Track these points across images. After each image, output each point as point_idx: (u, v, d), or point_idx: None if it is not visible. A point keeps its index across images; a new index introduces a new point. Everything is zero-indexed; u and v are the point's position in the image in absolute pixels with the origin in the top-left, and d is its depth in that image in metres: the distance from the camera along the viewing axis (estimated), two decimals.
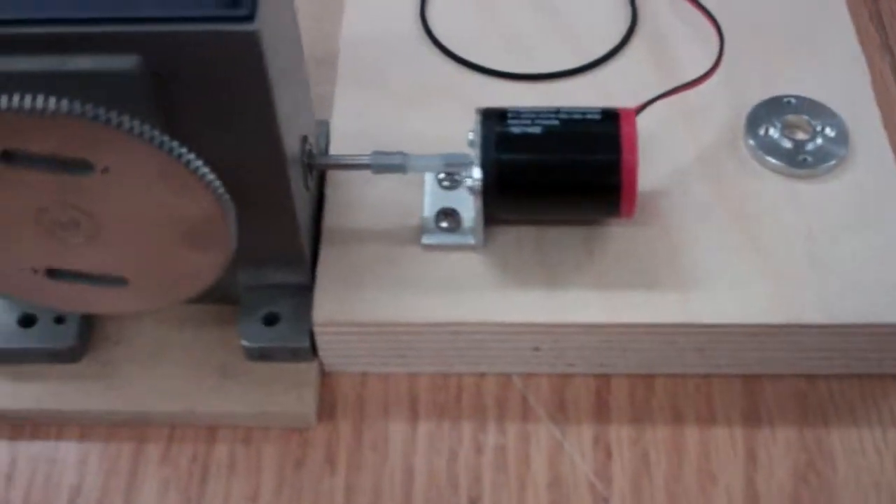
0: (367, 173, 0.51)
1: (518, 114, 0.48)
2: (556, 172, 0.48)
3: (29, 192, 0.41)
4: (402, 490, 0.48)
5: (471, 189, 0.48)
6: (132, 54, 0.40)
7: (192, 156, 0.39)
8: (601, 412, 0.51)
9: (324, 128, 0.56)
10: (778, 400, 0.51)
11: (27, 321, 0.51)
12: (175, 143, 0.39)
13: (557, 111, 0.49)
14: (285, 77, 0.44)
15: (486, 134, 0.48)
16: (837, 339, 0.49)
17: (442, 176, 0.53)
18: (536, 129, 0.48)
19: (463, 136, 0.52)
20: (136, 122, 0.38)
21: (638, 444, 0.50)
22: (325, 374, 0.51)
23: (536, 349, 0.50)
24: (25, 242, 0.43)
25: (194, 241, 0.42)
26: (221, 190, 0.40)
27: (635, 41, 0.59)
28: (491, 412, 0.51)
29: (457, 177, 0.53)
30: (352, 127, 0.56)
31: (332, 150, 0.55)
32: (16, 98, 0.37)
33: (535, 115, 0.48)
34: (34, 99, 0.37)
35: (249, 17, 0.39)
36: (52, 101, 0.37)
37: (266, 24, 0.40)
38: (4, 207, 0.41)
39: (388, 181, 0.52)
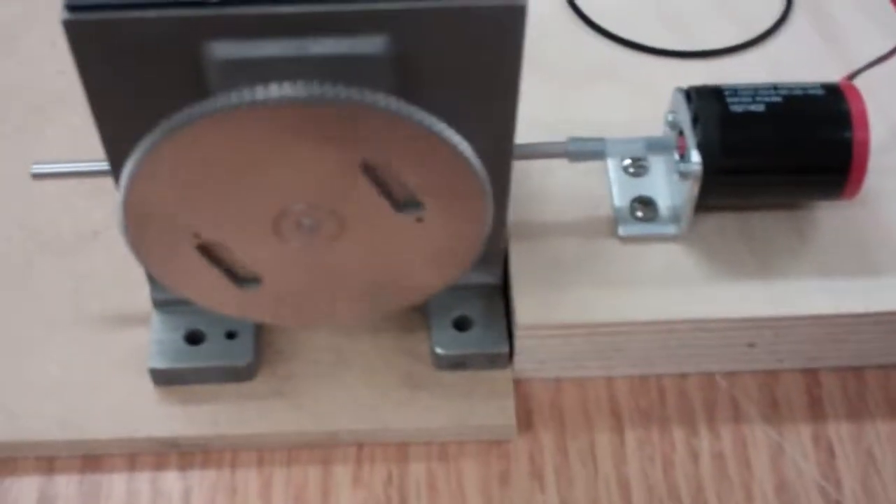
0: (543, 162, 0.47)
1: (735, 91, 0.45)
2: (785, 153, 0.44)
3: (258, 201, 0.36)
4: (621, 503, 0.45)
5: (685, 174, 0.45)
6: (380, 35, 0.35)
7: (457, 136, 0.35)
8: (815, 409, 0.47)
9: None
10: None
11: (195, 338, 0.46)
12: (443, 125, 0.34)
13: (775, 87, 0.45)
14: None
15: (704, 113, 0.44)
16: None
17: (627, 163, 0.49)
18: (759, 107, 0.44)
19: (633, 118, 0.48)
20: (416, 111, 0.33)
21: (861, 441, 0.46)
22: (515, 381, 0.47)
23: (751, 345, 0.46)
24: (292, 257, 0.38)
25: (453, 220, 0.38)
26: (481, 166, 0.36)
27: (798, 10, 0.56)
28: (700, 415, 0.47)
29: (644, 162, 0.49)
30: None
31: None
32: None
33: (755, 91, 0.45)
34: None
35: None
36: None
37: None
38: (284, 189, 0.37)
39: (566, 170, 0.48)
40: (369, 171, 0.36)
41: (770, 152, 0.44)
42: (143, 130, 0.35)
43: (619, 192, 0.48)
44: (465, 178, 0.36)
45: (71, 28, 0.34)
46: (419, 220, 0.37)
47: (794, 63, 0.53)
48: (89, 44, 0.35)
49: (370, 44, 0.35)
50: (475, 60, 0.36)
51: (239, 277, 0.39)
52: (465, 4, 0.35)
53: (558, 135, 0.48)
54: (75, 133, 0.51)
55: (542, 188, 0.49)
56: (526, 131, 0.49)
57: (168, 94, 0.35)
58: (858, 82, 0.48)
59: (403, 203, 0.37)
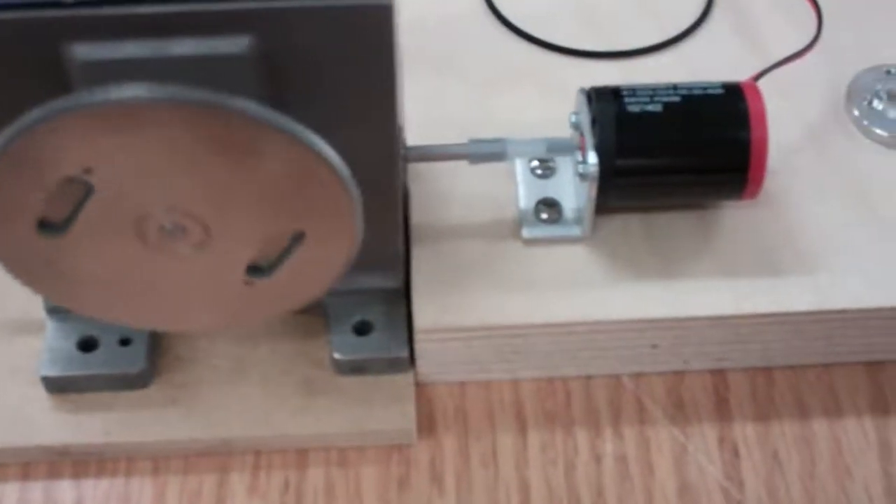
0: (450, 163, 0.47)
1: (633, 91, 0.44)
2: (682, 153, 0.44)
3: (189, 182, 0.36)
4: None
5: (583, 175, 0.44)
6: (243, 35, 0.35)
7: (323, 143, 0.34)
8: (722, 410, 0.47)
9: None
10: None
11: (88, 345, 0.45)
12: (308, 132, 0.34)
13: (675, 87, 0.44)
14: (398, 56, 0.39)
15: (602, 114, 0.44)
16: None
17: (535, 164, 0.48)
18: (657, 107, 0.44)
19: (545, 120, 0.48)
20: (271, 112, 0.33)
21: (766, 442, 0.46)
22: (419, 385, 0.47)
23: (654, 346, 0.46)
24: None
25: (320, 235, 0.37)
26: (351, 178, 0.35)
27: (717, 11, 0.55)
28: (605, 417, 0.46)
29: (552, 163, 0.48)
30: (425, 115, 0.50)
31: (409, 141, 0.50)
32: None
33: (653, 91, 0.44)
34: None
35: None
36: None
37: None
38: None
39: (474, 172, 0.47)
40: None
41: (667, 153, 0.44)
42: None
43: (526, 193, 0.48)
44: (330, 187, 0.35)
45: None
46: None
47: (710, 64, 0.53)
48: None
49: (233, 44, 0.35)
50: (345, 62, 0.36)
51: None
52: (328, 4, 0.34)
53: (473, 135, 0.48)
54: None
55: (450, 189, 0.48)
56: (439, 132, 0.49)
57: (35, 94, 0.35)
58: (773, 82, 0.48)
59: None
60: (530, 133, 0.48)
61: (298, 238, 0.37)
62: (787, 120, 0.51)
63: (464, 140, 0.46)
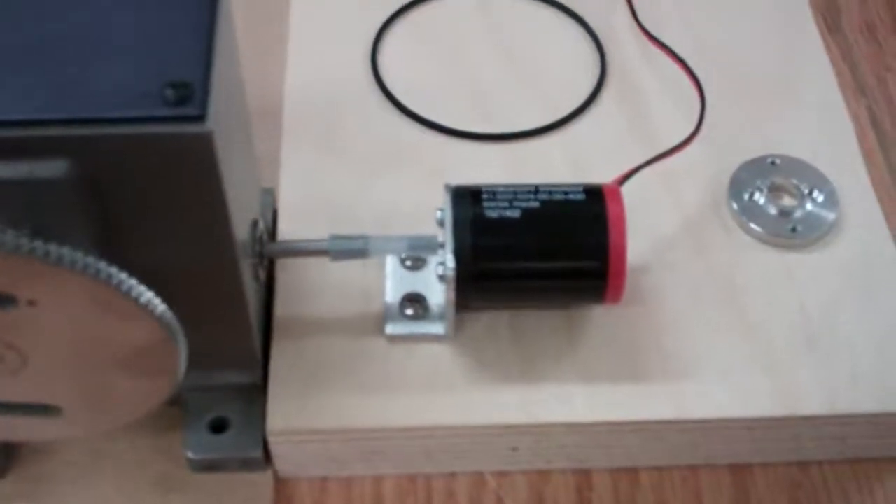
0: None
1: (494, 194, 0.44)
2: (539, 260, 0.43)
3: None
4: None
5: (442, 277, 0.43)
6: (60, 159, 0.34)
7: (131, 281, 0.34)
8: None
9: (269, 197, 0.50)
10: (770, 491, 0.47)
11: None
12: (113, 270, 0.33)
13: (536, 190, 0.44)
14: (236, 167, 0.38)
15: (459, 217, 0.43)
16: (837, 428, 0.46)
17: (404, 256, 0.48)
18: (515, 213, 0.43)
19: (425, 204, 0.47)
20: (65, 251, 0.32)
21: None
22: (279, 480, 0.46)
23: (514, 449, 0.45)
24: None
25: (137, 369, 0.36)
26: (168, 314, 0.35)
27: (606, 94, 0.55)
28: None
29: (421, 257, 0.48)
30: (301, 195, 0.50)
31: (281, 223, 0.49)
32: None
33: (513, 195, 0.43)
34: None
35: (201, 117, 0.34)
36: None
37: (219, 120, 0.34)
38: None
39: (345, 262, 0.47)
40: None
41: (524, 258, 0.43)
42: None
43: (393, 286, 0.47)
44: (148, 334, 0.35)
45: None
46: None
47: (596, 146, 0.53)
48: None
49: (50, 168, 0.34)
50: (168, 183, 0.35)
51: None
52: (145, 131, 0.34)
53: (344, 223, 0.48)
54: None
55: (316, 281, 0.48)
56: (313, 215, 0.49)
57: None
58: (656, 172, 0.48)
59: None
60: (408, 222, 0.47)
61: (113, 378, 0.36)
62: (668, 212, 0.50)
63: (336, 230, 0.45)
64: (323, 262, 0.47)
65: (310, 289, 0.47)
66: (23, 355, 0.36)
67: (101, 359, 0.36)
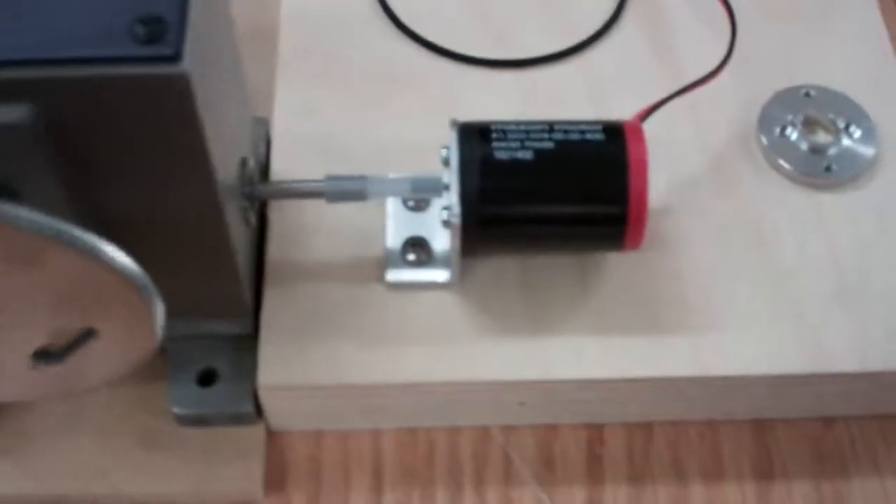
0: None
1: (504, 133, 0.40)
2: (552, 206, 0.40)
3: None
4: None
5: (446, 223, 0.40)
6: (22, 104, 0.30)
7: (111, 250, 0.30)
8: (594, 469, 0.44)
9: (262, 128, 0.47)
10: (792, 448, 0.44)
11: None
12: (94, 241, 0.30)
13: (551, 128, 0.40)
14: (221, 105, 0.35)
15: (466, 159, 0.40)
16: (867, 384, 0.42)
17: (407, 196, 0.44)
18: (527, 155, 0.39)
19: (431, 137, 0.43)
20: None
21: None
22: (271, 433, 0.44)
23: (522, 403, 0.43)
24: None
25: (109, 328, 0.33)
26: (144, 280, 0.32)
27: (627, 17, 0.51)
28: (468, 475, 0.43)
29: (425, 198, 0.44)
30: (297, 127, 0.47)
31: (274, 157, 0.46)
32: None
33: (525, 134, 0.40)
34: None
35: (175, 56, 0.30)
36: None
37: (196, 58, 0.31)
38: None
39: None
40: None
41: (537, 204, 0.40)
42: None
43: (395, 229, 0.44)
44: (122, 294, 0.32)
45: None
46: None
47: (615, 75, 0.49)
48: None
49: (11, 113, 0.30)
50: (143, 129, 0.32)
51: None
52: (113, 73, 0.30)
53: (343, 160, 0.45)
54: None
55: (312, 222, 0.44)
56: (310, 151, 0.45)
57: None
58: (681, 102, 0.44)
59: None
60: (412, 157, 0.44)
61: (90, 333, 0.33)
62: (691, 147, 0.47)
63: (334, 168, 0.42)
64: (319, 203, 0.43)
65: (305, 231, 0.44)
66: None
67: (77, 320, 0.33)
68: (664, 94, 0.44)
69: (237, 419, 0.42)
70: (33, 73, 0.30)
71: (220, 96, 0.35)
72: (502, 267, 0.43)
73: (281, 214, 0.44)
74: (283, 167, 0.46)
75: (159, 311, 0.32)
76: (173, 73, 0.30)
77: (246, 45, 0.43)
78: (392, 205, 0.45)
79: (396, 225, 0.44)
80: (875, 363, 0.42)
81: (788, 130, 0.46)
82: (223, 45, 0.36)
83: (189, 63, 0.30)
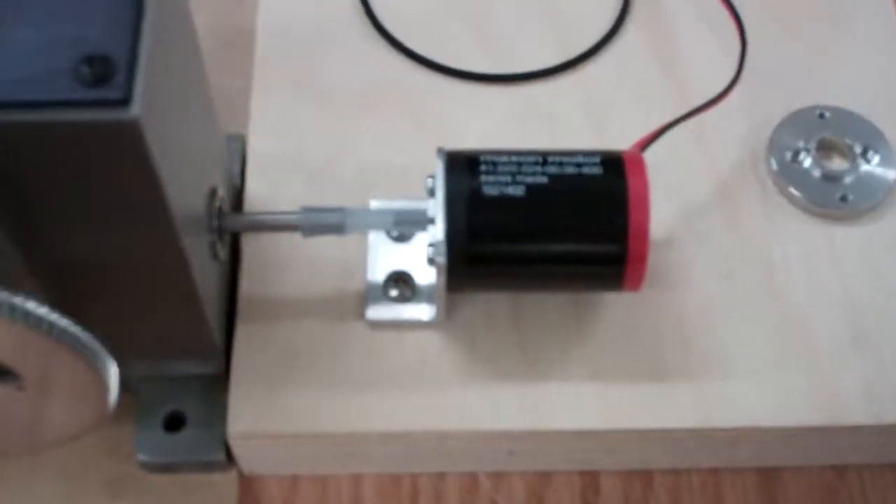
0: None
1: (494, 165, 0.37)
2: (546, 245, 0.37)
3: None
4: None
5: (431, 261, 0.37)
6: None
7: (61, 322, 0.27)
8: None
9: (237, 145, 0.44)
10: (801, 497, 0.41)
11: None
12: (41, 312, 0.27)
13: (545, 160, 0.37)
14: (181, 141, 0.32)
15: (453, 192, 0.37)
16: (883, 436, 0.40)
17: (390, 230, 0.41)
18: (518, 190, 0.36)
19: (416, 157, 0.41)
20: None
21: None
22: (244, 478, 0.41)
23: (511, 452, 0.40)
24: None
25: (63, 402, 0.31)
26: (99, 353, 0.29)
27: (627, 29, 0.47)
28: None
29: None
30: (274, 145, 0.44)
31: (249, 176, 0.43)
32: None
33: (517, 167, 0.37)
34: None
35: (124, 101, 0.27)
36: None
37: (149, 98, 0.28)
38: None
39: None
40: None
41: (528, 243, 0.37)
42: None
43: (376, 262, 0.41)
44: (73, 368, 0.29)
45: None
46: (20, 388, 0.30)
47: (615, 90, 0.46)
48: None
49: None
50: (93, 174, 0.29)
51: None
52: (56, 119, 0.27)
53: (321, 182, 0.42)
54: None
55: (290, 253, 0.41)
56: (281, 177, 0.43)
57: None
58: (686, 123, 0.41)
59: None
60: (396, 180, 0.42)
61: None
62: (696, 173, 0.44)
63: (311, 190, 0.41)
64: (293, 234, 0.40)
65: (280, 264, 0.41)
66: None
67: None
68: (667, 112, 0.41)
69: (207, 467, 0.39)
70: None
71: (181, 131, 0.32)
72: (492, 303, 0.40)
73: (255, 245, 0.42)
74: (259, 188, 0.43)
75: (112, 377, 0.29)
76: (122, 118, 0.27)
77: (221, 52, 0.40)
78: (374, 236, 0.42)
79: (378, 257, 0.41)
80: (892, 415, 0.39)
81: (801, 156, 0.43)
82: (184, 75, 0.33)
83: (139, 107, 0.27)
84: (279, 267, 0.41)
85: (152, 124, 0.28)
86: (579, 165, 0.37)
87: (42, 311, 0.27)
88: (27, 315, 0.27)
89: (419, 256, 0.41)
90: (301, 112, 0.45)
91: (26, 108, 0.27)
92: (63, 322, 0.27)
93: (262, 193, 0.43)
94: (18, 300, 0.27)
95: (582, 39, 0.47)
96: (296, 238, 0.40)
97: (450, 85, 0.46)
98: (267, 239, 0.41)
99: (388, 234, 0.42)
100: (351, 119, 0.45)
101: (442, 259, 0.36)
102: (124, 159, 0.28)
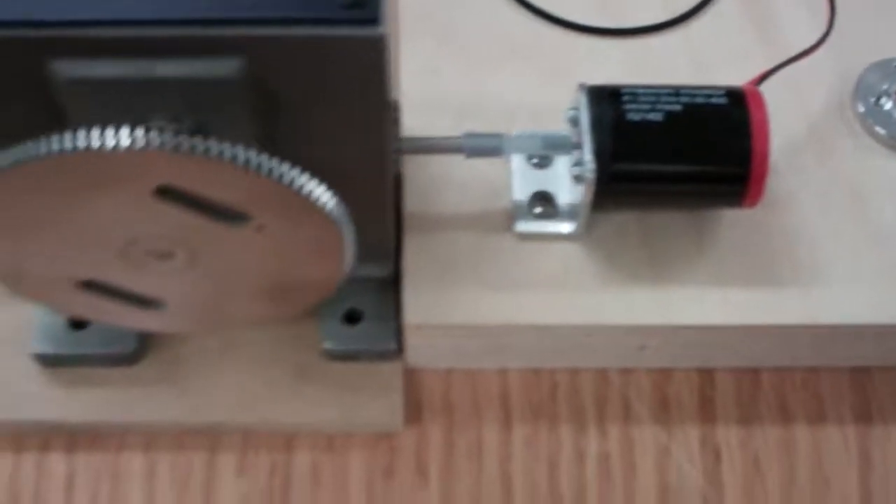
0: None
1: (634, 95, 0.43)
2: (682, 163, 0.43)
3: (156, 224, 0.36)
4: (501, 503, 0.45)
5: (578, 178, 0.44)
6: (232, 59, 0.34)
7: (293, 172, 0.34)
8: (706, 411, 0.47)
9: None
10: (891, 394, 0.48)
11: (79, 323, 0.45)
12: (274, 163, 0.33)
13: (677, 92, 0.44)
14: (392, 61, 0.38)
15: (600, 119, 0.43)
16: None
17: (536, 153, 0.48)
18: (657, 116, 0.43)
19: (543, 102, 0.47)
20: (226, 147, 0.33)
21: (748, 447, 0.46)
22: (407, 370, 0.47)
23: (642, 348, 0.46)
24: (91, 256, 0.38)
25: (307, 262, 0.37)
26: (334, 204, 0.35)
27: None
28: (590, 413, 0.47)
29: (547, 156, 0.48)
30: (423, 92, 0.50)
31: (406, 121, 0.49)
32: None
33: (655, 97, 0.43)
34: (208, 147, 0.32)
35: (375, 20, 0.34)
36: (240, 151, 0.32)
37: (388, 22, 0.34)
38: (109, 227, 0.36)
39: (470, 159, 0.47)
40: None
41: (666, 162, 0.43)
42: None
43: (520, 184, 0.47)
44: (321, 228, 0.35)
45: None
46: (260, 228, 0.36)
47: (716, 47, 0.52)
48: None
49: (222, 66, 0.34)
50: (337, 86, 0.35)
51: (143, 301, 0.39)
52: (320, 34, 0.34)
53: (467, 119, 0.48)
54: None
55: (443, 176, 0.48)
56: (435, 113, 0.48)
57: (21, 111, 0.35)
58: (779, 74, 0.47)
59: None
60: (528, 118, 0.48)
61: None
62: (791, 116, 0.50)
63: (459, 124, 0.46)
64: (447, 159, 0.47)
65: (437, 185, 0.48)
66: (197, 259, 0.37)
67: (275, 263, 0.37)
68: (762, 67, 0.47)
69: (381, 356, 0.46)
70: (246, 32, 0.34)
71: (393, 55, 0.39)
72: (623, 223, 0.47)
73: (413, 171, 0.48)
74: (414, 125, 0.49)
75: (351, 243, 0.36)
76: (373, 35, 0.34)
77: None
78: (516, 162, 0.48)
79: (522, 180, 0.48)
80: None
81: (883, 100, 0.50)
82: (395, 5, 0.39)
83: (384, 26, 0.34)
84: (436, 189, 0.48)
85: (389, 41, 0.35)
86: (708, 97, 0.44)
87: (304, 176, 0.33)
88: (292, 180, 0.33)
89: (557, 179, 0.47)
90: (443, 62, 0.51)
91: (297, 23, 0.33)
92: (320, 189, 0.34)
93: (415, 128, 0.49)
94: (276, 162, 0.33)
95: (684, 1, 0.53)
96: (447, 165, 0.47)
97: (566, 36, 0.53)
98: (422, 165, 0.48)
99: (529, 160, 0.48)
100: (486, 67, 0.51)
101: (591, 175, 0.43)
102: (367, 70, 0.35)
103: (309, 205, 0.34)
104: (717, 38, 0.52)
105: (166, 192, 0.34)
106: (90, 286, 0.39)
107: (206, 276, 0.38)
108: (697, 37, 0.53)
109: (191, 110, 0.35)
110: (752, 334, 0.45)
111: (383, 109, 0.37)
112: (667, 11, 0.53)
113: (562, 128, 0.45)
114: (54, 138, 0.31)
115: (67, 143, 0.31)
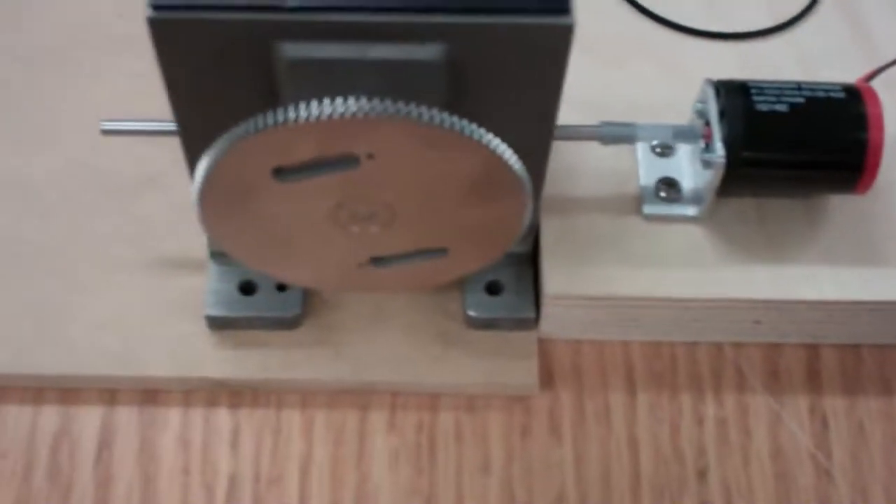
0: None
1: (761, 89, 0.48)
2: (804, 151, 0.48)
3: (312, 199, 0.40)
4: (629, 462, 0.49)
5: (708, 163, 0.48)
6: (436, 44, 0.38)
7: (450, 118, 0.38)
8: (813, 382, 0.51)
9: None
10: None
11: (247, 288, 0.50)
12: (424, 110, 0.38)
13: (799, 87, 0.48)
14: None
15: (731, 109, 0.47)
16: None
17: (655, 143, 0.52)
18: (783, 108, 0.47)
19: (662, 99, 0.52)
20: (387, 104, 0.37)
21: (853, 415, 0.50)
22: (539, 341, 0.51)
23: (757, 322, 0.50)
24: (336, 243, 0.42)
25: (485, 195, 0.41)
26: (493, 140, 0.39)
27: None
28: (707, 382, 0.51)
29: (669, 145, 0.52)
30: None
31: None
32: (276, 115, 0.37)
33: (779, 91, 0.48)
34: (290, 110, 0.37)
35: (566, 10, 0.38)
36: (303, 108, 0.37)
37: (577, 13, 0.39)
38: (299, 218, 0.40)
39: (599, 147, 0.51)
40: None
41: (790, 150, 0.48)
42: (219, 122, 0.38)
43: (646, 171, 0.52)
44: (509, 186, 0.40)
45: (154, 26, 0.37)
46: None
47: (819, 52, 0.56)
48: (171, 41, 0.38)
49: (426, 51, 0.38)
50: (523, 70, 0.40)
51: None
52: (517, 22, 0.38)
53: (591, 112, 0.52)
54: (138, 79, 0.52)
55: (574, 164, 0.52)
56: (563, 109, 0.52)
57: (240, 89, 0.39)
58: (880, 77, 0.52)
59: None
60: (647, 112, 0.52)
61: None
62: (890, 114, 0.54)
63: (589, 118, 0.50)
64: (579, 149, 0.51)
65: (569, 172, 0.52)
66: (389, 208, 0.41)
67: (452, 194, 0.41)
68: (860, 69, 0.52)
69: (519, 324, 0.50)
70: (451, 19, 0.38)
71: None
72: (741, 207, 0.51)
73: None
74: None
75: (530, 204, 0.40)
76: (565, 23, 0.38)
77: None
78: (641, 151, 0.52)
79: (647, 168, 0.52)
80: None
81: None
82: None
83: (574, 15, 0.38)
84: (568, 175, 0.52)
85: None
86: (826, 91, 0.48)
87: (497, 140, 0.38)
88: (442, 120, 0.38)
89: (680, 167, 0.51)
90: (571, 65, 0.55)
91: (497, 12, 0.38)
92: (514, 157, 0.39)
93: None
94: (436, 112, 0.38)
95: (789, 5, 0.58)
96: (576, 153, 0.51)
97: (677, 39, 0.57)
98: (556, 153, 0.52)
99: (653, 150, 0.52)
100: (606, 66, 0.56)
101: (720, 161, 0.47)
102: (552, 56, 0.39)
103: (512, 178, 0.38)
104: (818, 44, 0.57)
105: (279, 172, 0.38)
106: (379, 262, 0.44)
107: (420, 213, 0.42)
108: (800, 42, 0.57)
109: (389, 90, 0.39)
110: (860, 310, 0.49)
111: (559, 95, 0.41)
112: (772, 12, 0.57)
113: (685, 120, 0.49)
114: (295, 106, 0.36)
115: (314, 110, 0.35)
